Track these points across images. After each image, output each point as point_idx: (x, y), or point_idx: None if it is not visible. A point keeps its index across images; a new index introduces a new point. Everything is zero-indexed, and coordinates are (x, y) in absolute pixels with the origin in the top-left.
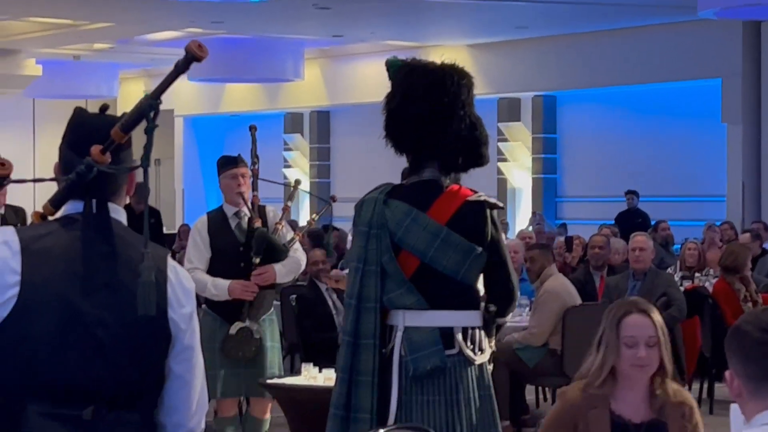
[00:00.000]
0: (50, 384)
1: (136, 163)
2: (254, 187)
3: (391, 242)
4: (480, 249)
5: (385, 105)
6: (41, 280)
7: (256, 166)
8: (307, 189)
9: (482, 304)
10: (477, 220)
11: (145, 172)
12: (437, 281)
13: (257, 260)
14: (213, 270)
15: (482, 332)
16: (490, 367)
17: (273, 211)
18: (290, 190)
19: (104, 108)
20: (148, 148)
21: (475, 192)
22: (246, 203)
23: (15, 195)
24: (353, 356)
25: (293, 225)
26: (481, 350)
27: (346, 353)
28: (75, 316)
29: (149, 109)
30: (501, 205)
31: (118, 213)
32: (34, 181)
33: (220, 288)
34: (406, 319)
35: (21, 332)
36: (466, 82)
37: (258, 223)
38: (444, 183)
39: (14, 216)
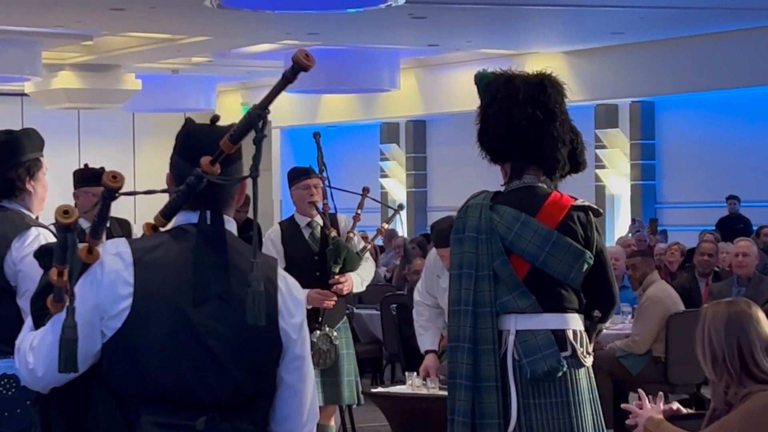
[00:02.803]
0: (163, 394)
1: (245, 174)
2: (324, 195)
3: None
4: (589, 253)
5: (481, 113)
6: (153, 291)
7: (324, 174)
8: (404, 199)
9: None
10: (585, 225)
11: (255, 183)
12: (547, 285)
13: (337, 269)
14: None
15: (587, 336)
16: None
17: (344, 220)
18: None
19: (214, 119)
20: (257, 158)
21: (576, 198)
22: (320, 213)
23: (115, 206)
24: (474, 362)
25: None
26: (588, 353)
27: (465, 360)
28: (187, 327)
29: (257, 119)
30: (601, 211)
31: (230, 223)
32: (146, 193)
33: None
34: (517, 322)
35: (134, 343)
36: (562, 89)
37: (333, 233)
38: (547, 189)
39: (119, 228)
